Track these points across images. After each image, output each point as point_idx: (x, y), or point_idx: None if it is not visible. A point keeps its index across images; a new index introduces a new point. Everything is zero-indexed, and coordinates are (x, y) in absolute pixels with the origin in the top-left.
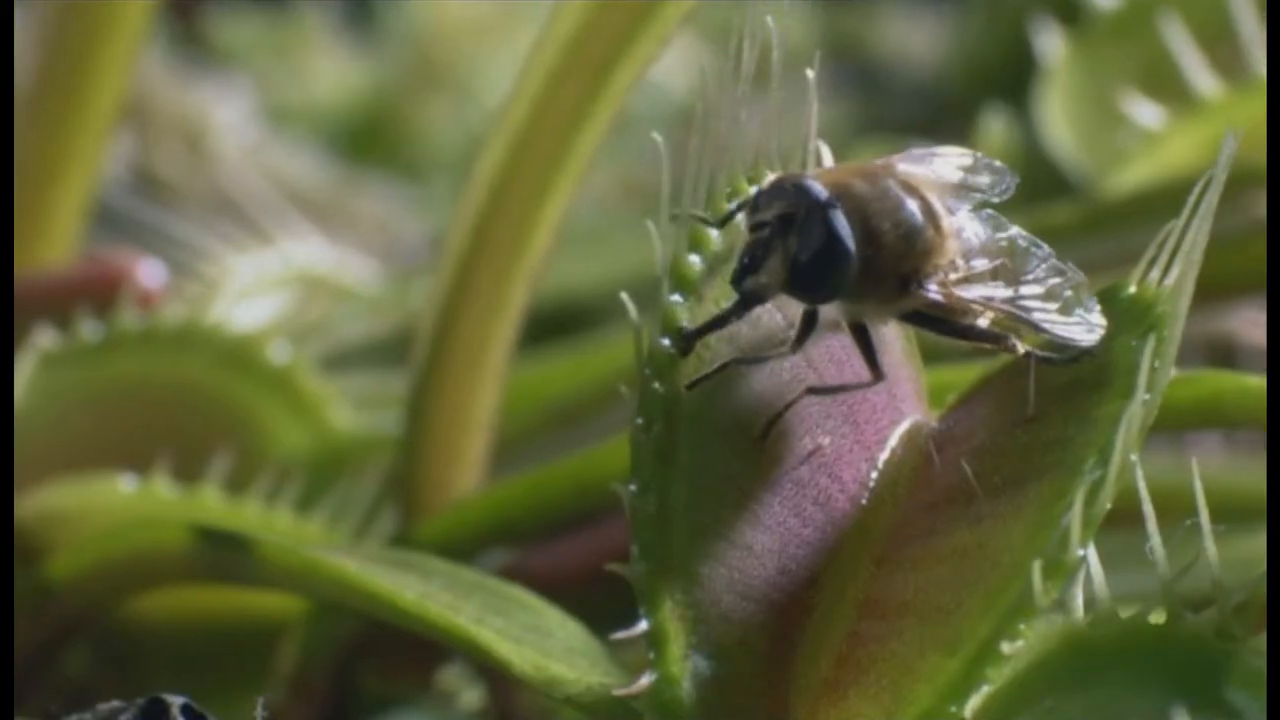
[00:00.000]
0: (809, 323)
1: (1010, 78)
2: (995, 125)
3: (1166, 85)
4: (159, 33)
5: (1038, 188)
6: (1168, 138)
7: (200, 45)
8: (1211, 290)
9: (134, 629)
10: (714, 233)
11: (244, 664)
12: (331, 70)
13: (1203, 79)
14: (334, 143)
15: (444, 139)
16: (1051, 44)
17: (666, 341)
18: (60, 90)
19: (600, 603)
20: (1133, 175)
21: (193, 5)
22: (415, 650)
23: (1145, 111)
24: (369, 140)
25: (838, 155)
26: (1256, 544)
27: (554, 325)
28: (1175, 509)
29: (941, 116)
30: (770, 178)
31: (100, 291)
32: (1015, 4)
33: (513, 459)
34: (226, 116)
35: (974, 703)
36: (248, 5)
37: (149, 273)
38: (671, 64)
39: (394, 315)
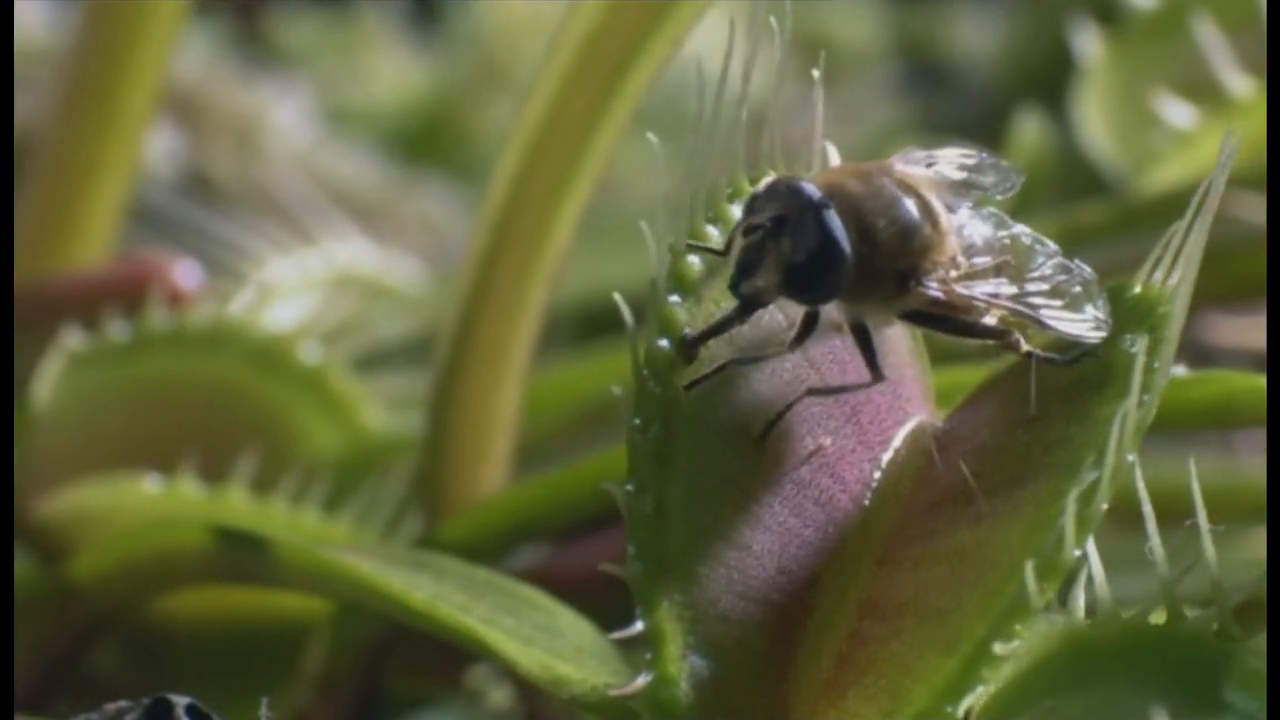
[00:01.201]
0: (809, 323)
1: (1059, 77)
2: (1029, 125)
3: (1204, 84)
4: (220, 32)
5: (1075, 188)
6: (1200, 137)
7: (262, 45)
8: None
9: (166, 628)
10: (714, 233)
11: (275, 663)
12: (392, 71)
13: (1233, 79)
14: (393, 143)
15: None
16: (1089, 44)
17: (664, 342)
18: (94, 88)
19: (629, 603)
20: (1166, 175)
21: (255, 5)
22: (443, 650)
23: (1177, 111)
24: (428, 141)
25: (884, 155)
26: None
27: (606, 325)
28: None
29: (1004, 115)
30: (765, 181)
31: (133, 291)
32: (1060, 3)
33: (543, 460)
34: (283, 117)
35: (975, 703)
36: (310, 5)
37: (184, 273)
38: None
39: (434, 315)
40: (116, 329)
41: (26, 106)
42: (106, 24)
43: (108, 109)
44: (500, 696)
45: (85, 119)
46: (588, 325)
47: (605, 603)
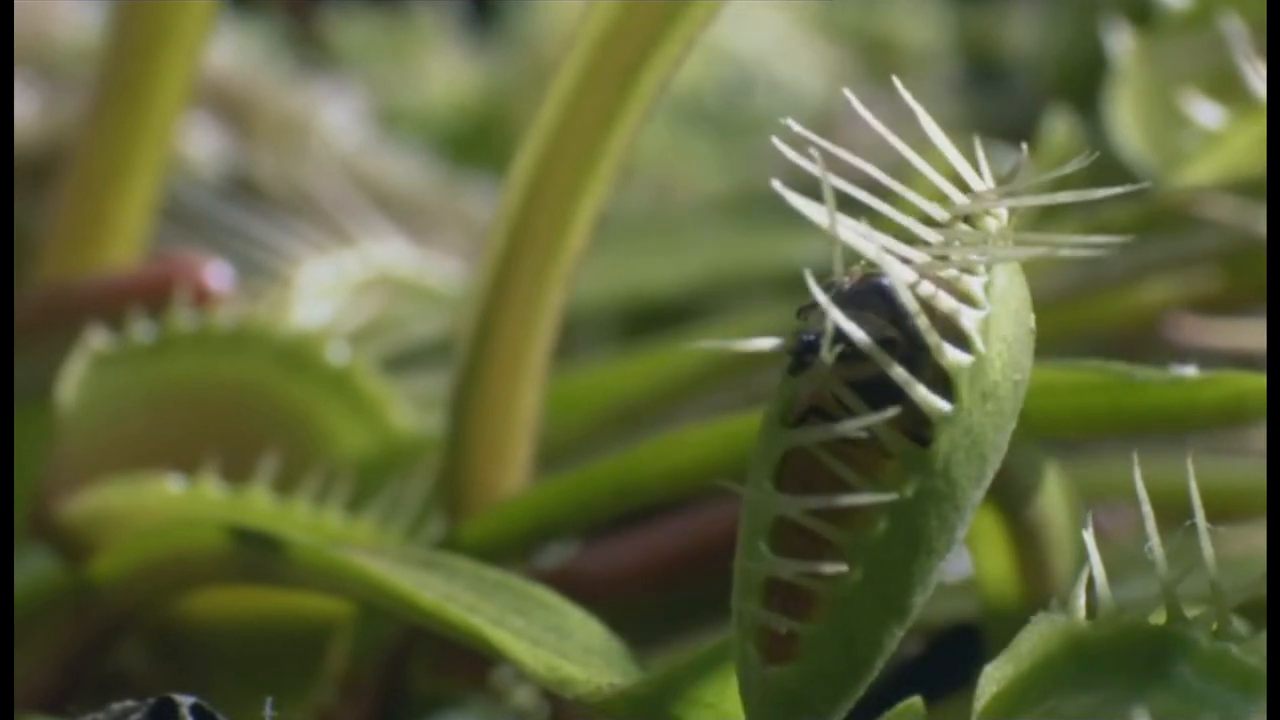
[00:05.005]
0: None
1: (1101, 78)
2: (1060, 126)
3: (1237, 83)
4: (274, 34)
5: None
6: (1228, 138)
7: (316, 47)
8: None
9: (193, 628)
10: None
11: (301, 662)
12: (445, 72)
13: (1262, 79)
14: (444, 145)
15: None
16: (1122, 44)
17: None
18: (123, 87)
19: (652, 604)
20: (1194, 175)
21: (309, 6)
22: (467, 650)
23: (1206, 111)
24: (480, 142)
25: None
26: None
27: (642, 325)
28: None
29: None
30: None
31: (161, 292)
32: (1101, 3)
33: (571, 462)
34: (332, 118)
35: (976, 703)
36: (366, 6)
37: (214, 273)
38: (804, 65)
39: None
40: (141, 329)
41: (71, 107)
42: (136, 22)
43: (137, 107)
44: (524, 696)
45: (114, 118)
46: (624, 325)
47: (631, 601)
